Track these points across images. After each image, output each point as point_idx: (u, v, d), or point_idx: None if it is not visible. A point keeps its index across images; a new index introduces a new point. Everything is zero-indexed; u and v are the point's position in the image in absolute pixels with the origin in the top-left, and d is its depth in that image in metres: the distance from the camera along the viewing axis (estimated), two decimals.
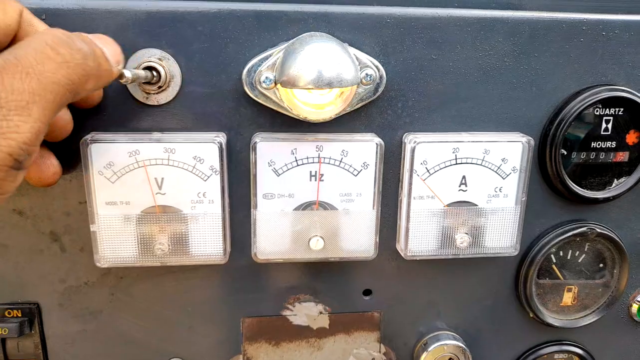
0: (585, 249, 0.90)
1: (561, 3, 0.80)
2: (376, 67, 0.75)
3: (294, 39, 0.71)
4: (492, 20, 0.77)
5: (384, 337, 0.91)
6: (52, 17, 0.69)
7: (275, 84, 0.71)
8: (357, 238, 0.81)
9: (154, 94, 0.74)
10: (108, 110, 0.73)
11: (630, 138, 0.83)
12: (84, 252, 0.79)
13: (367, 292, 0.89)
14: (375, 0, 0.76)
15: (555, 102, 0.82)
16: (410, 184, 0.79)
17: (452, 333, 0.92)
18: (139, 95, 0.73)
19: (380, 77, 0.75)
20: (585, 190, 0.84)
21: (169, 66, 0.73)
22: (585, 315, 0.93)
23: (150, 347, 0.87)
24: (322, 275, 0.86)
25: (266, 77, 0.71)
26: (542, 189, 0.86)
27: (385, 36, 0.75)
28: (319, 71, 0.65)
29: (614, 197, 0.85)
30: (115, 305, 0.84)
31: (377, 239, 0.81)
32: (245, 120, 0.77)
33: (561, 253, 0.90)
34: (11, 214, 0.77)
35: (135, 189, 0.75)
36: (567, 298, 0.92)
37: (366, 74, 0.73)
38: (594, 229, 0.86)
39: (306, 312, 0.88)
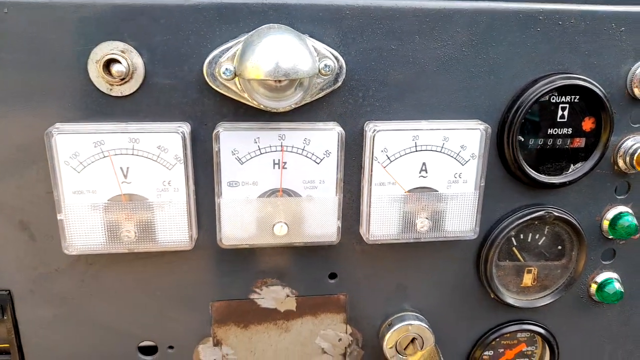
0: (545, 232, 0.95)
1: None
2: (335, 57, 0.78)
3: (253, 31, 0.74)
4: (450, 11, 0.80)
5: (350, 319, 0.97)
6: (15, 11, 0.72)
7: (235, 75, 0.74)
8: (321, 223, 0.86)
9: (117, 85, 0.77)
10: (72, 100, 0.77)
11: (586, 125, 0.88)
12: (53, 240, 0.83)
13: (332, 276, 0.93)
14: None
15: (513, 90, 0.86)
16: (371, 170, 0.83)
17: (416, 314, 0.97)
18: (103, 87, 0.77)
19: (340, 67, 0.79)
20: (543, 175, 0.89)
21: (131, 58, 0.76)
22: (544, 296, 0.98)
23: (121, 331, 0.91)
24: (288, 260, 0.91)
25: (226, 69, 0.75)
26: (502, 175, 0.91)
27: (345, 27, 0.79)
28: (276, 62, 0.68)
29: (571, 182, 0.90)
30: (85, 290, 0.88)
31: (340, 224, 0.86)
32: (208, 111, 0.80)
33: (521, 236, 0.95)
34: None
35: (101, 178, 0.79)
36: (527, 279, 0.97)
37: (325, 65, 0.77)
38: (551, 213, 0.91)
39: (273, 296, 0.93)
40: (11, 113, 0.76)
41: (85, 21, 0.73)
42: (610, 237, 0.96)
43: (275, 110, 0.78)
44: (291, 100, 0.75)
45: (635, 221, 0.92)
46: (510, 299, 0.96)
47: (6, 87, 0.75)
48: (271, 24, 0.75)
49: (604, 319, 1.04)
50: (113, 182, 0.80)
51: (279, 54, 0.69)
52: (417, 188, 0.86)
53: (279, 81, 0.72)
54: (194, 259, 0.88)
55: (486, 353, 1.03)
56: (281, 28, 0.73)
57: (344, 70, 0.79)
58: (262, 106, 0.76)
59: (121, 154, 0.79)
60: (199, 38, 0.76)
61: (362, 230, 0.88)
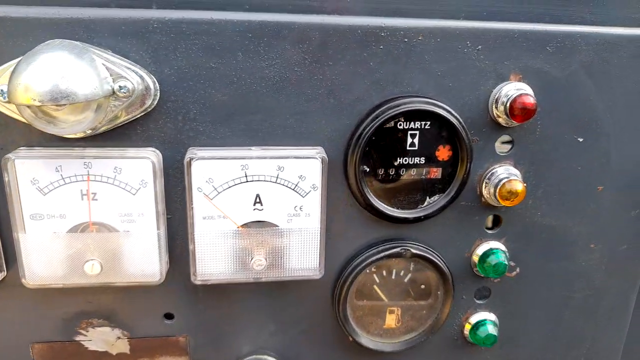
0: (410, 269, 0.84)
1: (355, 5, 0.73)
2: (141, 77, 0.67)
3: (33, 50, 0.63)
4: (276, 25, 0.69)
5: None
6: None
7: None
8: (141, 261, 0.75)
9: None
10: None
11: (442, 153, 0.77)
12: None
13: (169, 316, 0.82)
14: (154, 4, 0.69)
15: (357, 114, 0.75)
16: (191, 203, 0.73)
17: (269, 357, 0.86)
18: None
19: (146, 87, 0.68)
20: (394, 209, 0.78)
21: None
22: (410, 339, 0.87)
23: None
24: (115, 299, 0.80)
25: (1, 90, 0.64)
26: (354, 208, 0.80)
27: (155, 42, 0.68)
28: (47, 86, 0.58)
29: (427, 217, 0.79)
30: None
31: (165, 262, 0.75)
32: (4, 135, 0.69)
33: (384, 273, 0.84)
34: None
35: None
36: (391, 320, 0.86)
37: (119, 86, 0.66)
38: (408, 249, 0.80)
39: (102, 338, 0.82)
40: None
41: None
42: (481, 275, 0.85)
43: (68, 136, 0.67)
44: (80, 126, 0.64)
45: (505, 260, 0.81)
46: (370, 342, 0.85)
47: None
48: (51, 40, 0.64)
49: None
50: None
51: (49, 76, 0.58)
52: (253, 222, 0.75)
53: (58, 105, 0.60)
54: (4, 298, 0.77)
55: None
56: (61, 44, 0.62)
57: (153, 91, 0.69)
58: (46, 131, 0.65)
59: None
60: None
61: (191, 270, 0.76)
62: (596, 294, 0.92)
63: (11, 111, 0.67)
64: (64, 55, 0.60)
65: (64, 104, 0.60)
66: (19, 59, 0.63)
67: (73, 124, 0.64)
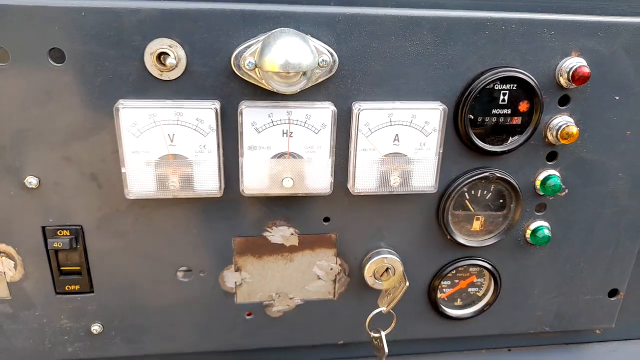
0: (491, 189, 1.14)
1: (471, 3, 1.00)
2: (330, 53, 0.96)
3: (269, 33, 0.91)
4: (418, 18, 0.97)
5: (340, 253, 1.16)
6: (90, 13, 0.89)
7: (256, 66, 0.92)
8: (318, 179, 1.04)
9: (166, 72, 0.94)
10: (133, 83, 0.94)
11: (522, 107, 1.05)
12: (115, 188, 1.01)
13: (326, 219, 1.12)
14: (332, 1, 0.96)
15: (466, 79, 1.03)
16: (356, 139, 1.01)
17: (390, 250, 1.17)
18: (155, 73, 0.94)
19: (334, 61, 0.96)
20: (488, 145, 1.07)
21: (176, 51, 0.93)
22: (489, 238, 1.17)
23: (165, 259, 1.11)
24: (293, 206, 1.09)
25: (249, 62, 0.92)
26: (458, 144, 1.08)
27: (338, 29, 0.96)
28: (286, 59, 0.86)
29: (510, 151, 1.08)
30: (138, 227, 1.07)
31: (332, 180, 1.04)
32: (234, 92, 0.98)
33: (472, 192, 1.13)
34: (61, 160, 0.99)
35: (153, 142, 0.97)
36: (476, 225, 1.16)
37: (322, 59, 0.94)
38: (494, 174, 1.09)
39: (281, 234, 1.12)
40: (88, 92, 0.94)
41: (141, 23, 0.90)
42: (541, 193, 1.14)
43: (286, 93, 0.95)
44: (297, 86, 0.92)
45: (559, 182, 1.11)
46: (463, 239, 1.15)
47: (84, 72, 0.92)
48: (282, 28, 0.91)
49: (536, 258, 1.24)
50: (162, 145, 0.97)
51: (289, 53, 0.86)
52: (391, 153, 1.04)
53: (288, 72, 0.89)
54: (221, 204, 1.07)
55: (444, 283, 1.23)
56: (290, 31, 0.90)
57: (337, 63, 0.96)
58: (275, 90, 0.94)
59: (168, 123, 0.96)
60: (227, 37, 0.93)
61: (349, 185, 1.06)
62: (620, 211, 1.21)
63: (247, 76, 0.95)
64: (295, 39, 0.88)
65: (292, 72, 0.88)
66: (257, 40, 0.91)
67: (293, 85, 0.93)
